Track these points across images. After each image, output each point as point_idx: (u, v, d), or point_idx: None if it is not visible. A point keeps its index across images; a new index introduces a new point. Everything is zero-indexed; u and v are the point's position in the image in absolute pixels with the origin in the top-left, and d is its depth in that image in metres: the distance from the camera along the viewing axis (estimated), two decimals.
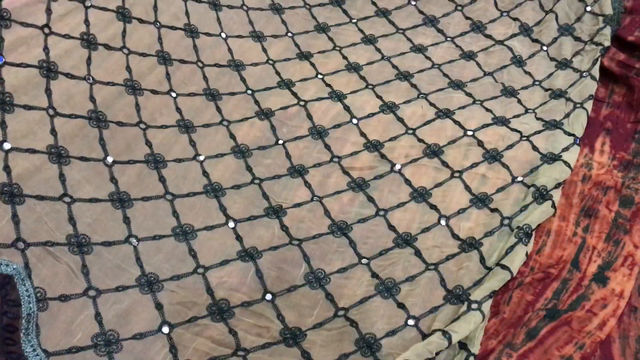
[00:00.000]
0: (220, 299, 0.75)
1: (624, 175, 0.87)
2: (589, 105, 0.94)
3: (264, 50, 1.07)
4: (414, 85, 1.03)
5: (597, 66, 0.99)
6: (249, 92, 1.01)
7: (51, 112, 0.80)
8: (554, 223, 0.82)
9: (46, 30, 0.83)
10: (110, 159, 0.83)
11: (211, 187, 0.87)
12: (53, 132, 0.79)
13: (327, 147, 0.94)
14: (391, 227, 0.83)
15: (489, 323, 0.73)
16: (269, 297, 0.76)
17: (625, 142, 0.92)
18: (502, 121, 0.95)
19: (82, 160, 0.81)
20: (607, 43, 1.02)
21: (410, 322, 0.72)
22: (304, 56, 1.08)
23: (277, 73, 1.04)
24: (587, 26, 1.07)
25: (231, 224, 0.83)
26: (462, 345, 0.69)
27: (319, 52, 1.09)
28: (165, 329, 0.72)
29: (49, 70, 0.81)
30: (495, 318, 0.73)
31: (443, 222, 0.83)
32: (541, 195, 0.82)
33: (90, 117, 0.84)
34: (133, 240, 0.78)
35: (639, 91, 0.96)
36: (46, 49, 0.82)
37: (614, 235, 0.80)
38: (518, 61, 1.06)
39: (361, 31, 1.13)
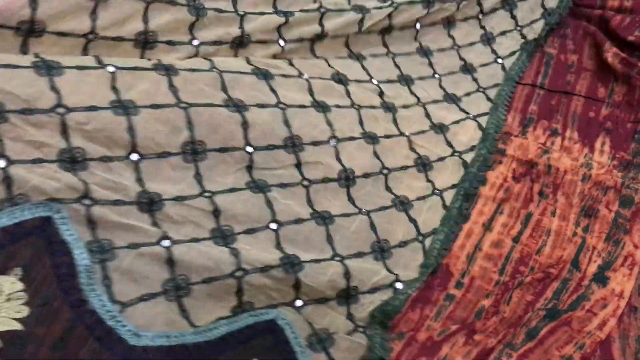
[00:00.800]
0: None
1: (624, 175, 0.87)
2: (491, 92, 0.94)
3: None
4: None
5: (515, 56, 0.98)
6: None
7: None
8: (554, 223, 0.82)
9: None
10: None
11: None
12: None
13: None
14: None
15: (489, 322, 0.72)
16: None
17: (625, 142, 0.92)
18: (405, 80, 0.92)
19: None
20: (531, 37, 1.00)
21: None
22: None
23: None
24: (526, 11, 1.04)
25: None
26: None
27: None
28: None
29: None
30: (495, 317, 0.73)
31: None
32: (423, 164, 0.83)
33: None
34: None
35: (639, 91, 0.96)
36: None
37: (614, 235, 0.80)
38: (448, 22, 1.00)
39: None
